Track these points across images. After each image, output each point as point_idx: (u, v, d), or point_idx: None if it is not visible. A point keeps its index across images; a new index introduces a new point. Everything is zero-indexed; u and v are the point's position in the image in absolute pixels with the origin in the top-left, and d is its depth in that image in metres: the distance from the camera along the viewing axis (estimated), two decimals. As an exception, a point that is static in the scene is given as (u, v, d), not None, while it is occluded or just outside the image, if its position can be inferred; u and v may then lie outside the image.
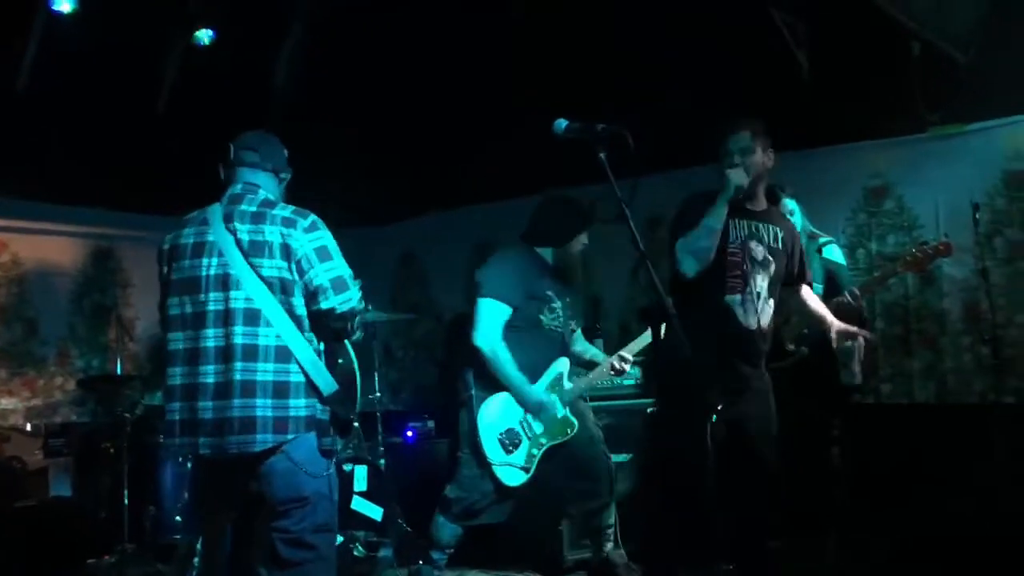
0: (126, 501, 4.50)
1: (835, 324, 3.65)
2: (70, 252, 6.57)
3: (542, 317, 4.11)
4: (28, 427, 6.08)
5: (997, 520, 4.19)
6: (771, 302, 3.54)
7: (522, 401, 4.03)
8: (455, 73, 5.99)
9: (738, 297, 3.42)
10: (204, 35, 5.96)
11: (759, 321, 3.49)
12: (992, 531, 4.15)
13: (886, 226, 5.44)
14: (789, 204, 4.44)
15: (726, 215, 3.36)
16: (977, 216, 4.46)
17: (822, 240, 4.54)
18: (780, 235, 3.57)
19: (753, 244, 3.47)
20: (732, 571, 3.66)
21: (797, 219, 4.44)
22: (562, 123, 2.86)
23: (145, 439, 4.80)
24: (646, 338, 4.19)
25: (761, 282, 3.48)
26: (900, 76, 5.13)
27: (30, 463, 5.82)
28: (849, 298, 4.25)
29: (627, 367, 4.22)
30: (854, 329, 3.66)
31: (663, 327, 2.61)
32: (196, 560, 4.15)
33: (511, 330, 4.02)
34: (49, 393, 6.34)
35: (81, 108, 5.80)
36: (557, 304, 4.16)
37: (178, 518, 4.71)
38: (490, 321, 3.99)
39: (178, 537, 4.63)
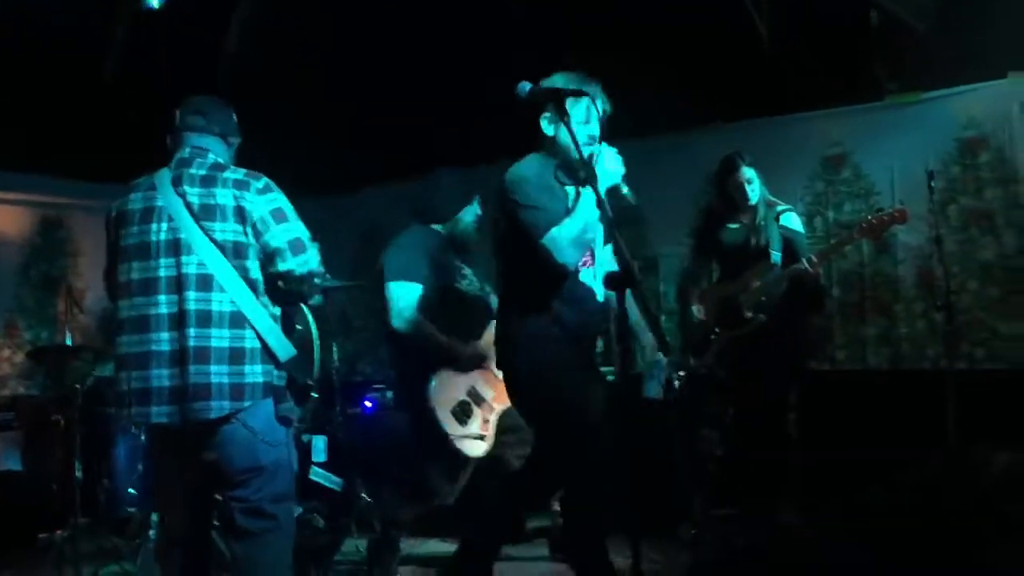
0: (78, 474, 4.40)
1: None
2: (17, 221, 6.41)
3: (458, 285, 4.11)
4: (-29, 399, 5.96)
5: (949, 486, 4.26)
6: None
7: (461, 357, 4.01)
8: (413, 38, 5.89)
9: (591, 270, 3.23)
10: (154, -3, 5.78)
11: None
12: (944, 497, 4.22)
13: (843, 194, 5.48)
14: (747, 172, 4.46)
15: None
16: (932, 184, 4.50)
17: (780, 208, 4.56)
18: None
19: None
20: (693, 536, 3.71)
21: (756, 187, 4.46)
22: (526, 86, 2.83)
23: (97, 411, 4.69)
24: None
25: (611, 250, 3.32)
26: (859, 44, 5.15)
27: (-27, 437, 5.70)
28: (807, 265, 4.29)
29: None
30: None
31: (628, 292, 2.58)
32: (151, 532, 4.09)
33: (431, 305, 4.01)
34: (-4, 365, 6.21)
35: (28, 73, 5.62)
36: (467, 271, 4.17)
37: (132, 491, 4.62)
38: (402, 302, 3.98)
39: (132, 510, 4.55)
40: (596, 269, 3.15)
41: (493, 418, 4.05)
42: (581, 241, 2.98)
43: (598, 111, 3.01)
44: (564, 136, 2.95)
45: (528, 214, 2.98)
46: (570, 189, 3.08)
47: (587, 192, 2.93)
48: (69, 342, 5.16)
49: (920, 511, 4.21)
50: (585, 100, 3.01)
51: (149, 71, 5.94)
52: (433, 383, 3.99)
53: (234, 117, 3.10)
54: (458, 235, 4.21)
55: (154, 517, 4.01)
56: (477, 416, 4.03)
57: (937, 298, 4.73)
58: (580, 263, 3.08)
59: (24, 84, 5.62)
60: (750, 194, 4.45)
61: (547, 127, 3.11)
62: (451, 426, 3.96)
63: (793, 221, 4.55)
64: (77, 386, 4.47)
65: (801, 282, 4.38)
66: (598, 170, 2.93)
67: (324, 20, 6.06)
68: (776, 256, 4.43)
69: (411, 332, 3.96)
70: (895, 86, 5.22)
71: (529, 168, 3.09)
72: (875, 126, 5.37)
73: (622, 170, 3.02)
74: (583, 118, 3.06)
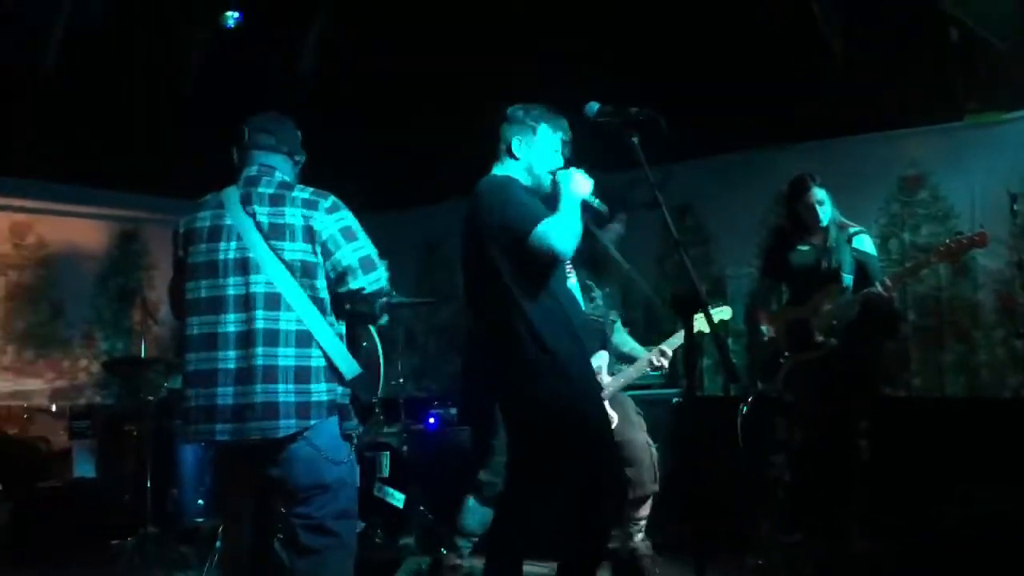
0: (149, 484, 4.50)
1: None
2: (96, 234, 6.60)
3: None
4: (53, 408, 6.12)
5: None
6: None
7: None
8: (482, 57, 5.93)
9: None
10: (230, 17, 5.93)
11: None
12: (1020, 528, 4.07)
13: (920, 216, 5.33)
14: (818, 193, 4.36)
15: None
16: (1015, 207, 4.35)
17: (852, 230, 4.45)
18: None
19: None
20: (761, 565, 3.62)
21: (827, 208, 4.37)
22: (594, 106, 2.82)
23: (168, 422, 4.80)
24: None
25: None
26: (937, 62, 5.03)
27: (55, 443, 5.87)
28: (880, 289, 4.18)
29: (666, 362, 4.15)
30: None
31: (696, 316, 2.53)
32: (218, 544, 4.15)
33: None
34: (74, 375, 6.38)
35: (108, 89, 5.80)
36: (596, 294, 4.12)
37: (200, 501, 4.71)
38: None
39: (200, 520, 4.63)
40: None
41: None
42: (575, 231, 2.97)
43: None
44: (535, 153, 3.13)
45: (514, 210, 2.98)
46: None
47: (563, 181, 3.02)
48: (144, 354, 5.30)
49: (995, 542, 4.07)
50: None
51: (224, 88, 6.08)
52: None
53: (299, 135, 3.13)
54: (595, 254, 4.13)
55: (220, 528, 4.08)
56: None
57: (1018, 325, 4.58)
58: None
59: (104, 100, 5.79)
60: (821, 215, 4.36)
61: (516, 147, 3.18)
62: None
63: (866, 243, 4.44)
64: (150, 398, 4.57)
65: (874, 306, 4.26)
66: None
67: (395, 39, 6.14)
68: (848, 279, 4.32)
69: None
70: (975, 105, 5.07)
71: (502, 177, 3.16)
72: (954, 146, 5.22)
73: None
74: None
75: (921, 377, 5.29)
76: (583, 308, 4.05)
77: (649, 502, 4.16)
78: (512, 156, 3.17)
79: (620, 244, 4.23)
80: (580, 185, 3.05)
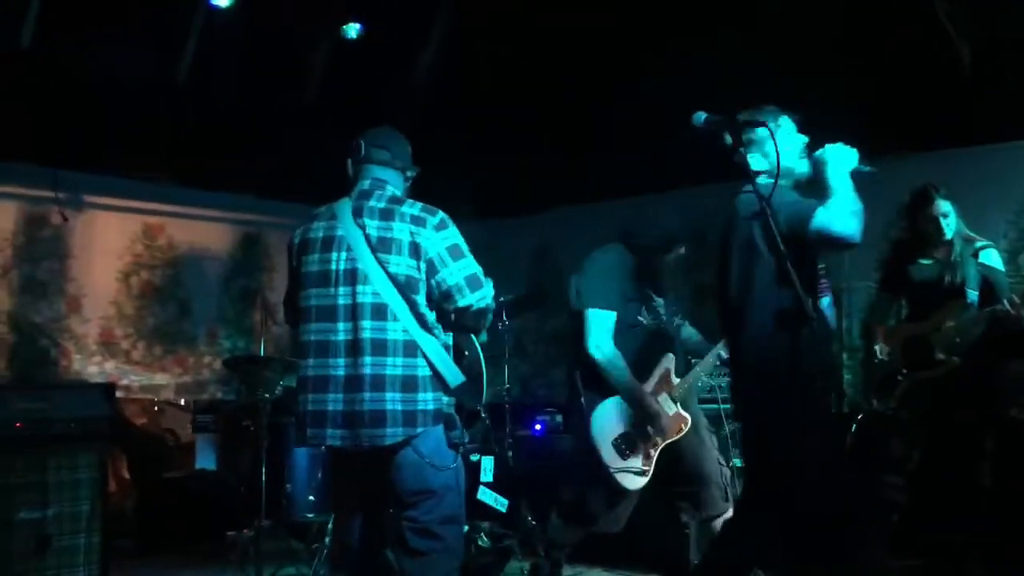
0: (263, 478, 4.66)
1: None
2: (221, 237, 6.89)
3: (641, 318, 4.04)
4: (182, 402, 6.42)
5: None
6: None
7: (637, 408, 3.96)
8: (594, 67, 5.94)
9: (830, 299, 3.23)
10: (351, 28, 6.11)
11: None
12: None
13: (1052, 230, 5.09)
14: (943, 206, 4.20)
15: None
16: None
17: (979, 244, 4.26)
18: None
19: None
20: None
21: (951, 221, 4.20)
22: (701, 115, 2.79)
23: (282, 419, 4.96)
24: None
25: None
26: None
27: (182, 436, 6.14)
28: (1008, 306, 3.99)
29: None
30: None
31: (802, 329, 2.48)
32: (327, 540, 4.27)
33: (616, 333, 3.96)
34: (198, 371, 6.67)
35: (234, 99, 6.05)
36: (658, 302, 4.09)
37: (311, 497, 4.84)
38: (599, 329, 3.93)
39: (311, 516, 4.77)
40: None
41: (655, 453, 3.99)
42: (856, 210, 2.86)
43: (774, 139, 2.90)
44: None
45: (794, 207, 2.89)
46: None
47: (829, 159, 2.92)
48: (263, 353, 5.49)
49: None
50: (762, 130, 2.92)
51: (343, 98, 6.26)
52: (597, 413, 3.96)
53: (410, 149, 3.21)
54: (658, 266, 4.15)
55: (330, 525, 4.20)
56: (640, 450, 3.97)
57: None
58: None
59: (231, 109, 6.04)
60: (945, 228, 4.19)
61: (756, 163, 3.02)
62: (611, 458, 3.92)
63: (993, 258, 4.24)
64: (267, 395, 4.73)
65: (1001, 324, 4.07)
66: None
67: (511, 49, 6.21)
68: (973, 295, 4.14)
69: (604, 365, 3.93)
70: (1111, 113, 4.80)
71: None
72: (1091, 157, 4.96)
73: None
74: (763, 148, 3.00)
75: (1051, 400, 5.02)
76: (642, 319, 4.04)
77: (722, 521, 4.08)
78: (757, 174, 2.96)
79: (680, 267, 4.22)
80: (845, 155, 2.95)
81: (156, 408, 6.32)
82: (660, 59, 5.69)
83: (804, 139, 3.11)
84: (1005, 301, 4.01)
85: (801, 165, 3.04)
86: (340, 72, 6.36)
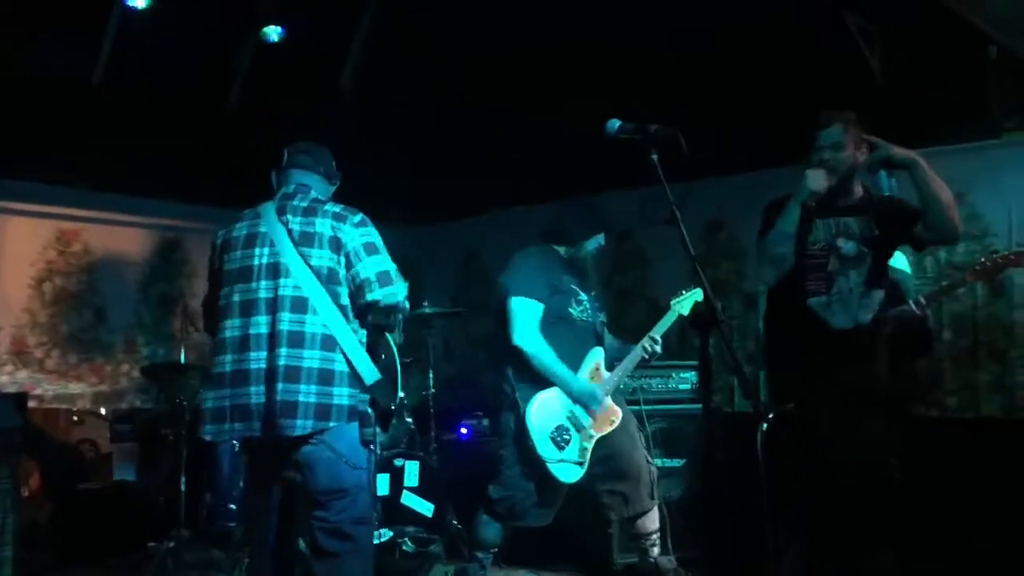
0: (183, 488, 4.60)
1: None
2: (139, 242, 6.76)
3: (571, 310, 4.11)
4: (102, 411, 6.27)
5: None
6: (875, 294, 3.43)
7: (570, 393, 4.01)
8: (516, 74, 5.98)
9: (823, 299, 3.33)
10: (273, 31, 6.04)
11: (856, 318, 3.40)
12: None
13: (957, 234, 5.28)
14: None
15: (813, 215, 3.27)
16: (1052, 226, 4.31)
17: (887, 248, 4.42)
18: (873, 220, 3.42)
19: (841, 241, 3.37)
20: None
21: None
22: (615, 123, 2.85)
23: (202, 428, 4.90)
24: (671, 317, 4.17)
25: (856, 278, 3.37)
26: (974, 80, 4.98)
27: (102, 446, 6.00)
28: (914, 307, 4.15)
29: (658, 348, 4.16)
30: None
31: (712, 331, 2.56)
32: (248, 548, 4.22)
33: (545, 325, 4.02)
34: (116, 379, 6.53)
35: (153, 101, 5.94)
36: (583, 297, 4.17)
37: (232, 506, 4.79)
38: (525, 319, 3.99)
39: (232, 525, 4.71)
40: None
41: (591, 445, 4.05)
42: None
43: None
44: None
45: None
46: None
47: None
48: (183, 360, 5.41)
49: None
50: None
51: (267, 102, 6.20)
52: (531, 407, 3.99)
53: (334, 162, 3.29)
54: (579, 260, 4.22)
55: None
56: (576, 442, 4.03)
57: (1056, 346, 4.51)
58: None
59: (150, 112, 5.93)
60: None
61: None
62: (548, 451, 3.96)
63: (900, 261, 4.40)
64: (186, 403, 4.67)
65: (907, 325, 4.23)
66: None
67: (435, 52, 6.21)
68: (880, 297, 4.29)
69: (530, 353, 3.98)
70: (1013, 124, 5.02)
71: None
72: (992, 165, 5.18)
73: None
74: None
75: (956, 397, 5.23)
76: (572, 311, 4.10)
77: (655, 516, 4.16)
78: None
79: (601, 257, 4.31)
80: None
81: (75, 418, 6.16)
82: (583, 65, 5.76)
83: None
84: (911, 302, 4.17)
85: None
86: (263, 75, 6.29)
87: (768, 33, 5.25)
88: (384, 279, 3.04)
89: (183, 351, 5.54)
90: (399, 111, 6.48)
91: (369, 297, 3.02)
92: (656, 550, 4.19)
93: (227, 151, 6.16)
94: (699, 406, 4.80)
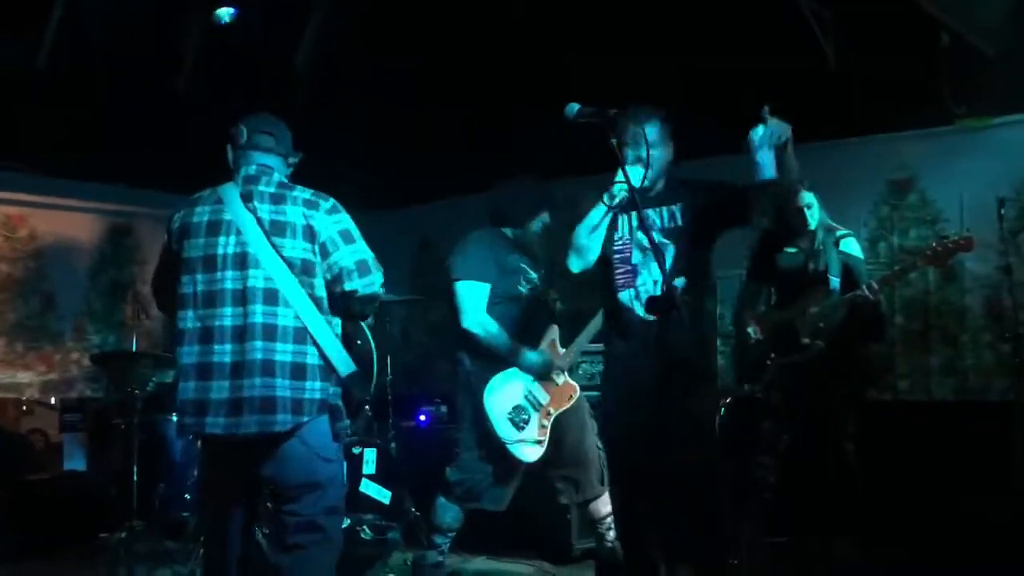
0: (135, 478, 4.52)
1: None
2: (88, 228, 6.63)
3: (521, 289, 4.11)
4: (52, 401, 6.14)
5: (1015, 520, 4.14)
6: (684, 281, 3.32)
7: (524, 366, 4.02)
8: (475, 59, 5.94)
9: (631, 291, 3.30)
10: (225, 13, 5.93)
11: None
12: (1009, 532, 4.09)
13: (909, 219, 5.36)
14: (807, 197, 4.38)
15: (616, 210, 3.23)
16: (1002, 211, 4.39)
17: (840, 233, 4.47)
18: (678, 211, 3.35)
19: (641, 235, 3.26)
20: (736, 565, 3.64)
21: (815, 212, 4.38)
22: (574, 107, 2.84)
23: (156, 416, 4.82)
24: None
25: (657, 270, 3.23)
26: (927, 67, 5.04)
27: (52, 436, 5.89)
28: (867, 292, 4.19)
29: None
30: None
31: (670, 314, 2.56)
32: (203, 539, 4.16)
33: (495, 305, 4.02)
34: (65, 368, 6.41)
35: (102, 85, 5.81)
36: (533, 276, 4.17)
37: (187, 496, 4.72)
38: (471, 301, 3.99)
39: (186, 515, 4.64)
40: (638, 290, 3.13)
41: (549, 423, 4.05)
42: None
43: (644, 133, 2.98)
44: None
45: None
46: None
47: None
48: (135, 348, 5.31)
49: (982, 546, 4.09)
50: (634, 126, 2.98)
51: (220, 84, 6.09)
52: (488, 389, 3.98)
53: (291, 136, 3.16)
54: (526, 240, 4.22)
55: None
56: (535, 421, 4.02)
57: (1006, 329, 4.61)
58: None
59: (98, 95, 5.80)
60: (809, 219, 4.37)
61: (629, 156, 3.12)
62: (507, 432, 3.96)
63: (853, 247, 4.45)
64: (137, 391, 4.58)
65: (860, 309, 4.28)
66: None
67: (391, 37, 6.15)
68: (835, 282, 4.34)
69: (480, 334, 3.98)
70: (964, 111, 5.09)
71: None
72: (943, 151, 5.26)
73: None
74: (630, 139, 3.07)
75: (908, 380, 5.32)
76: (522, 290, 4.10)
77: (606, 500, 4.17)
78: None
79: (546, 235, 4.27)
80: None
81: (23, 408, 6.04)
82: (540, 50, 5.74)
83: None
84: (864, 287, 4.22)
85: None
86: (215, 57, 6.18)
87: (723, 18, 5.27)
88: (363, 268, 2.95)
89: (134, 339, 5.44)
90: (354, 95, 6.41)
91: (348, 287, 2.93)
92: (612, 534, 4.20)
93: (178, 135, 6.04)
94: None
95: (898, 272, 4.50)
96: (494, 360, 4.01)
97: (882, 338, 5.20)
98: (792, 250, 4.47)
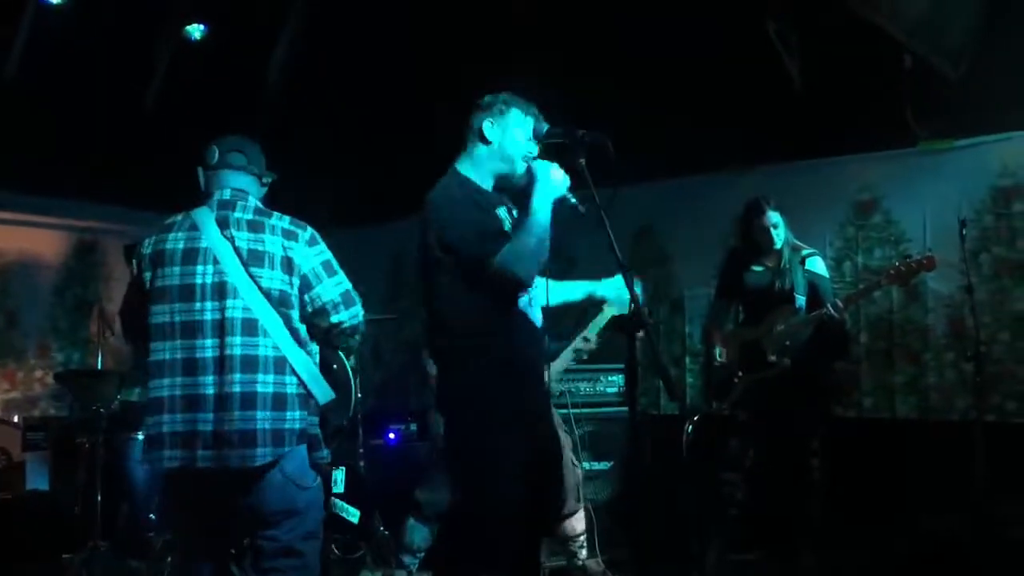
0: (99, 497, 4.46)
1: None
2: (53, 245, 6.54)
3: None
4: (16, 419, 6.04)
5: (973, 539, 4.18)
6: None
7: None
8: (447, 75, 5.96)
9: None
10: (195, 29, 5.92)
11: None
12: (968, 550, 4.14)
13: (873, 239, 5.42)
14: (773, 217, 4.43)
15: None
16: (964, 232, 4.46)
17: (805, 252, 4.53)
18: None
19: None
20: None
21: (781, 231, 4.44)
22: (543, 127, 2.85)
23: (121, 435, 4.76)
24: (604, 316, 4.12)
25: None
26: (891, 90, 5.13)
27: (14, 455, 5.78)
28: (832, 310, 4.25)
29: (592, 345, 4.16)
30: None
31: (639, 335, 2.57)
32: (170, 559, 4.10)
33: None
34: (28, 386, 6.31)
35: (69, 100, 5.76)
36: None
37: (151, 515, 4.66)
38: None
39: (151, 535, 4.58)
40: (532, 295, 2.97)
41: None
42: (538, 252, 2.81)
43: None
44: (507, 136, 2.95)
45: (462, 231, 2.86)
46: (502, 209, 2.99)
47: (539, 172, 2.86)
48: (100, 365, 5.25)
49: (943, 563, 4.14)
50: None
51: (188, 101, 6.06)
52: None
53: (263, 156, 3.11)
54: None
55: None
56: None
57: (968, 348, 4.66)
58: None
59: (66, 110, 5.75)
60: (775, 238, 4.43)
61: (488, 130, 3.00)
62: None
63: (818, 265, 4.52)
64: (102, 410, 4.53)
65: (826, 327, 4.34)
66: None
67: (363, 54, 6.16)
68: (801, 300, 4.40)
69: None
70: (927, 132, 5.17)
71: (457, 187, 2.99)
72: (907, 172, 5.32)
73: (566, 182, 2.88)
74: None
75: (872, 398, 5.37)
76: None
77: (581, 518, 4.17)
78: (484, 141, 2.98)
79: None
80: (556, 178, 2.86)
81: (-15, 427, 5.93)
82: (512, 65, 5.77)
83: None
84: (829, 306, 4.27)
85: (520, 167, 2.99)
86: (186, 73, 6.15)
87: (689, 41, 5.34)
88: (347, 300, 2.93)
89: (100, 356, 5.38)
90: (325, 112, 6.41)
91: (334, 319, 2.91)
92: (584, 552, 4.20)
93: (146, 151, 6.00)
94: (626, 409, 4.89)
95: (863, 291, 4.57)
96: None
97: (847, 356, 5.26)
98: (759, 269, 4.52)
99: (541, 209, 2.82)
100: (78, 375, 5.30)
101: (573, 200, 2.88)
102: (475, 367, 2.83)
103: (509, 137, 2.97)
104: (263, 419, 2.75)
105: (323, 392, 2.88)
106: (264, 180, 3.08)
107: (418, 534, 4.03)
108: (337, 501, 4.81)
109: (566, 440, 4.19)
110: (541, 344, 3.03)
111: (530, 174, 2.90)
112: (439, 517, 4.01)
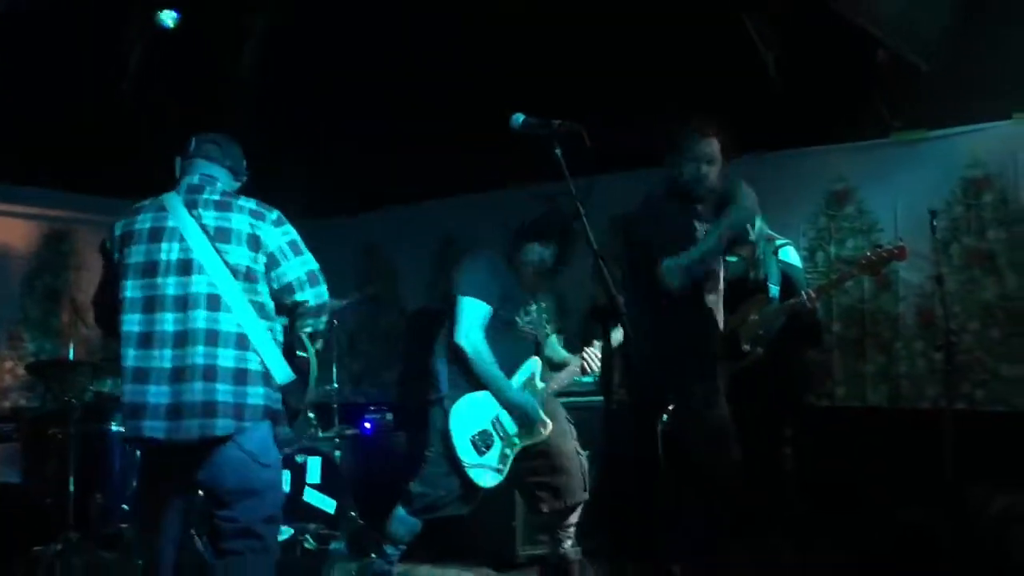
0: (72, 488, 4.43)
1: None
2: (23, 234, 6.45)
3: (517, 319, 4.10)
4: (-14, 411, 5.98)
5: (945, 526, 4.25)
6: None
7: (504, 401, 3.98)
8: (419, 65, 5.94)
9: (714, 296, 3.40)
10: (168, 17, 5.84)
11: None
12: (940, 536, 4.20)
13: (846, 230, 5.47)
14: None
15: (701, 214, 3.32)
16: (934, 223, 4.51)
17: (779, 242, 4.57)
18: None
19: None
20: (679, 572, 3.69)
21: (755, 222, 4.46)
22: (519, 117, 2.86)
23: (93, 426, 4.73)
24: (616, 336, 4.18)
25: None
26: (864, 81, 5.17)
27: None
28: (805, 300, 4.29)
29: (596, 366, 4.20)
30: None
31: (614, 326, 2.59)
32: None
33: (488, 328, 3.98)
34: (-2, 377, 6.23)
35: (39, 87, 5.68)
36: (532, 307, 4.16)
37: (124, 507, 4.64)
38: (472, 319, 3.94)
39: (124, 526, 4.56)
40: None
41: (512, 454, 4.01)
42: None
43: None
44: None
45: None
46: None
47: None
48: (72, 356, 5.21)
49: (915, 549, 4.20)
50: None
51: (161, 90, 5.99)
52: (457, 407, 3.94)
53: (244, 160, 3.19)
54: (519, 270, 4.16)
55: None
56: (497, 448, 3.99)
57: (938, 337, 4.73)
58: None
59: (35, 97, 5.67)
60: (749, 228, 4.45)
61: None
62: (466, 454, 3.92)
63: (791, 255, 4.56)
64: (74, 401, 4.50)
65: (799, 317, 4.38)
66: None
67: (335, 45, 6.12)
68: (774, 290, 4.44)
69: (471, 355, 3.92)
70: (899, 124, 5.23)
71: None
72: (879, 163, 5.37)
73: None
74: None
75: (844, 387, 5.43)
76: (518, 320, 4.11)
77: (579, 510, 4.20)
78: None
79: (542, 265, 4.18)
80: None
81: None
82: (485, 58, 5.76)
83: None
84: (802, 295, 4.31)
85: None
86: (157, 61, 6.08)
87: (669, 31, 5.35)
88: (313, 279, 2.99)
89: (71, 347, 5.34)
90: (298, 102, 6.36)
91: (299, 297, 2.97)
92: (569, 542, 4.21)
93: (118, 139, 5.93)
94: (602, 398, 4.91)
95: (835, 280, 4.61)
96: (473, 381, 3.97)
97: (820, 345, 5.31)
98: (733, 259, 4.54)
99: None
100: (50, 366, 5.25)
101: None
102: None
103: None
104: (224, 392, 2.81)
105: (282, 372, 2.93)
106: (239, 177, 3.16)
107: (404, 526, 4.00)
108: (312, 491, 4.81)
109: (570, 430, 4.21)
110: None
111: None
112: (428, 511, 3.98)
